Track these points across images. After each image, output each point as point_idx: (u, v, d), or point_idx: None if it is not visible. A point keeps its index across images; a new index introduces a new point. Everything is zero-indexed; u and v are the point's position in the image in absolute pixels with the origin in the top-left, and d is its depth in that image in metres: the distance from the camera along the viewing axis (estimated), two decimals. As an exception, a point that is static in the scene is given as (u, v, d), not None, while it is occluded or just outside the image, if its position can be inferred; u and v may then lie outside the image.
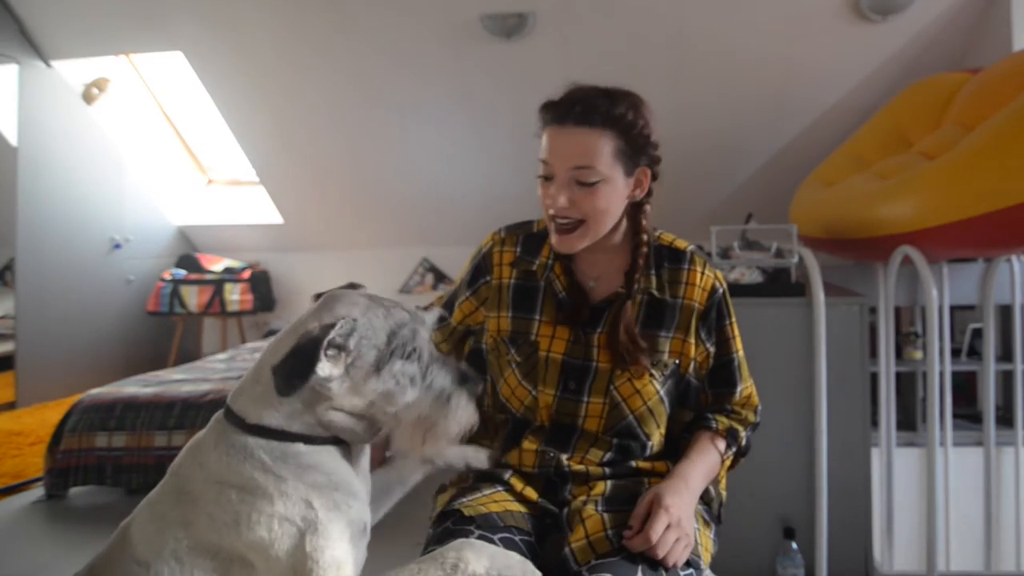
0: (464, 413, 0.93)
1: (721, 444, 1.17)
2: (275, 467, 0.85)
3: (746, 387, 1.23)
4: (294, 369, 0.83)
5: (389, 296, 0.97)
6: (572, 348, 1.16)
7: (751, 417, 1.22)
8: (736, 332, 1.21)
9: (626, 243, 1.18)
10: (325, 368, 0.84)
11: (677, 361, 1.17)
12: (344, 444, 0.93)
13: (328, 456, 0.90)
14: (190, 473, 0.88)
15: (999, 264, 2.26)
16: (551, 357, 1.16)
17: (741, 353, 1.22)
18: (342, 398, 0.89)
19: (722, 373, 1.21)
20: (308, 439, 0.89)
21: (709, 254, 2.16)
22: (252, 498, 0.84)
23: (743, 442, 1.20)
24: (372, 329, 0.89)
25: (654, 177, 1.16)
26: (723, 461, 1.18)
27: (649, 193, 1.17)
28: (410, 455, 0.92)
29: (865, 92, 3.50)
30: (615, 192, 1.12)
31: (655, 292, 1.16)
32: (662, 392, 1.16)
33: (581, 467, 1.14)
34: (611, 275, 1.19)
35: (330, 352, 0.85)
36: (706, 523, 1.16)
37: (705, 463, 1.14)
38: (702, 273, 1.18)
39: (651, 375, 1.14)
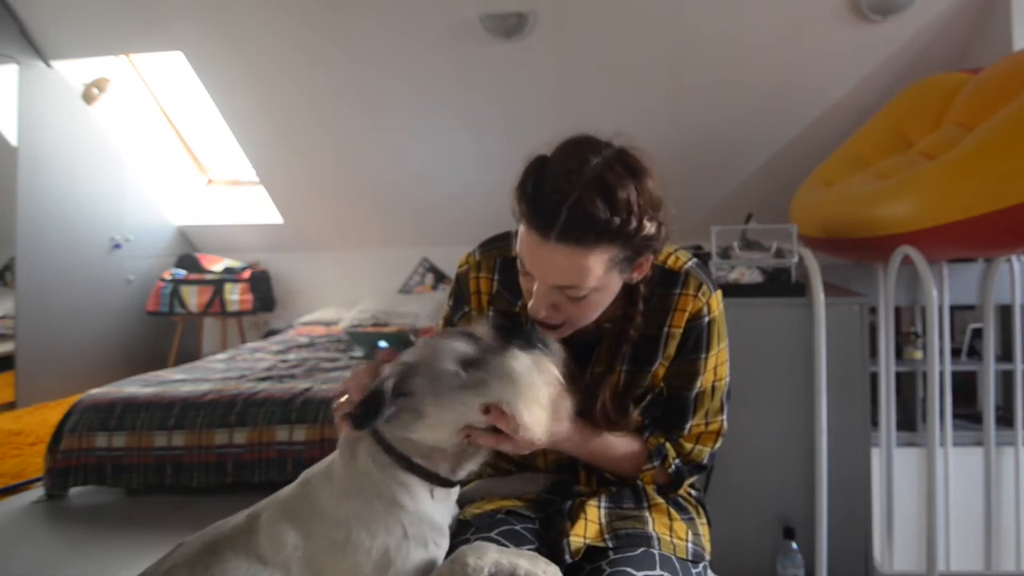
0: (528, 368, 0.87)
1: (646, 458, 1.09)
2: (398, 496, 0.90)
3: (696, 424, 1.10)
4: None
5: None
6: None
7: (695, 452, 1.10)
8: (710, 366, 1.08)
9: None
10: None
11: (660, 388, 1.09)
12: (449, 485, 0.96)
13: (433, 491, 0.94)
14: (320, 485, 0.93)
15: (999, 264, 2.26)
16: None
17: (708, 387, 1.08)
18: (423, 432, 0.91)
19: (675, 403, 1.09)
20: (423, 472, 0.93)
21: (709, 254, 2.16)
22: (364, 524, 0.88)
23: (671, 466, 1.08)
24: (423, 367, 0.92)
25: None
26: (642, 470, 1.08)
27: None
28: (529, 433, 0.87)
29: (865, 92, 3.50)
30: (608, 293, 0.98)
31: (644, 331, 1.07)
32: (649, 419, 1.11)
33: (588, 488, 1.13)
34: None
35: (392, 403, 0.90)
36: (697, 510, 1.15)
37: (618, 446, 1.06)
38: (694, 297, 1.05)
39: (636, 405, 1.09)
